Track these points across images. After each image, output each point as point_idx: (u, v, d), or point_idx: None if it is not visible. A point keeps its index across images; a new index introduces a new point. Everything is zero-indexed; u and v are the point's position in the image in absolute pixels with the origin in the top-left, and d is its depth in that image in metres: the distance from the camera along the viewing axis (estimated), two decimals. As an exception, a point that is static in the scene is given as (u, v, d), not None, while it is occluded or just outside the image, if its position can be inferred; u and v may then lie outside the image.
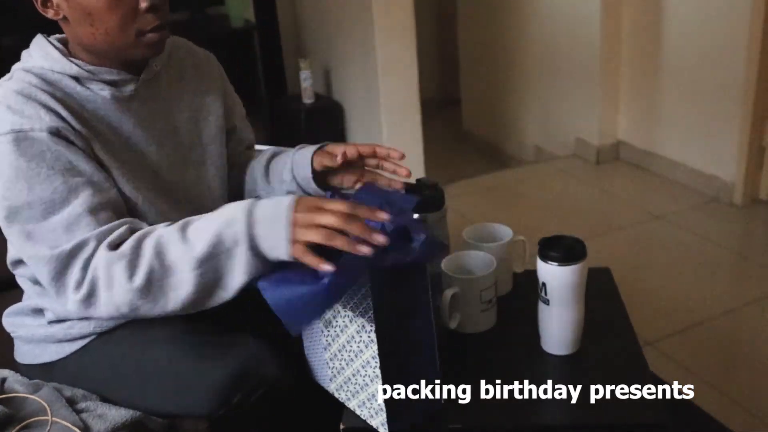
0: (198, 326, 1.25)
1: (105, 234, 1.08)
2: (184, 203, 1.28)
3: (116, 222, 1.11)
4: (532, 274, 1.26)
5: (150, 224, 1.14)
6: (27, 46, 1.22)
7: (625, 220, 3.02)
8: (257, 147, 1.53)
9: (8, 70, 1.21)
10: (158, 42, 1.18)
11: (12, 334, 1.33)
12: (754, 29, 2.79)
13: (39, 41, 1.21)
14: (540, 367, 1.24)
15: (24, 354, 1.32)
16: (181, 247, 1.04)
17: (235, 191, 1.43)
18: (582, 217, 3.06)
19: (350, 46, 3.35)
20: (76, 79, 1.18)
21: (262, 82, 3.73)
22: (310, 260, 0.98)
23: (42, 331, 1.27)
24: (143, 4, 1.13)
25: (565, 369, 1.22)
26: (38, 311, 1.28)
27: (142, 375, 1.23)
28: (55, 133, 1.11)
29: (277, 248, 1.01)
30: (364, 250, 0.97)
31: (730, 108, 2.95)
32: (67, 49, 1.20)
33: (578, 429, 1.13)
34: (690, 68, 3.10)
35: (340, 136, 3.54)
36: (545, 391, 1.17)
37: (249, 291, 1.45)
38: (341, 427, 1.11)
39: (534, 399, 1.16)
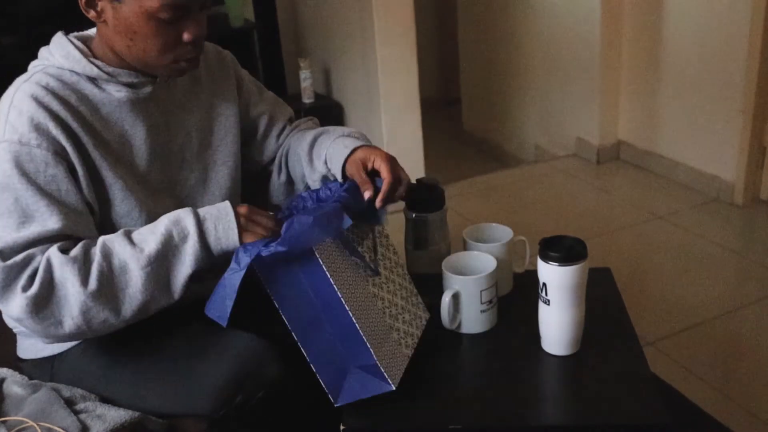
0: (199, 326, 1.25)
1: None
2: (188, 203, 1.29)
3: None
4: (532, 275, 1.26)
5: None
6: (27, 45, 1.21)
7: (625, 220, 3.01)
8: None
9: (7, 70, 1.20)
10: (187, 70, 1.22)
11: (14, 330, 1.33)
12: (754, 29, 2.79)
13: (60, 40, 1.21)
14: (540, 367, 1.24)
15: (26, 349, 1.32)
16: (129, 248, 1.10)
17: (280, 165, 1.45)
18: (582, 217, 3.06)
19: (350, 46, 3.35)
20: (94, 81, 1.19)
21: (262, 82, 3.73)
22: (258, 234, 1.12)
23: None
24: (187, 37, 1.16)
25: (565, 369, 1.22)
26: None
27: (142, 374, 1.23)
28: (59, 154, 1.12)
29: (227, 238, 1.12)
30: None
31: (730, 108, 2.95)
32: (88, 48, 1.20)
33: (578, 429, 1.13)
34: (690, 68, 3.10)
35: (340, 136, 3.53)
36: (545, 391, 1.17)
37: (250, 291, 1.46)
38: (341, 427, 1.11)
39: (534, 399, 1.16)
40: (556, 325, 1.22)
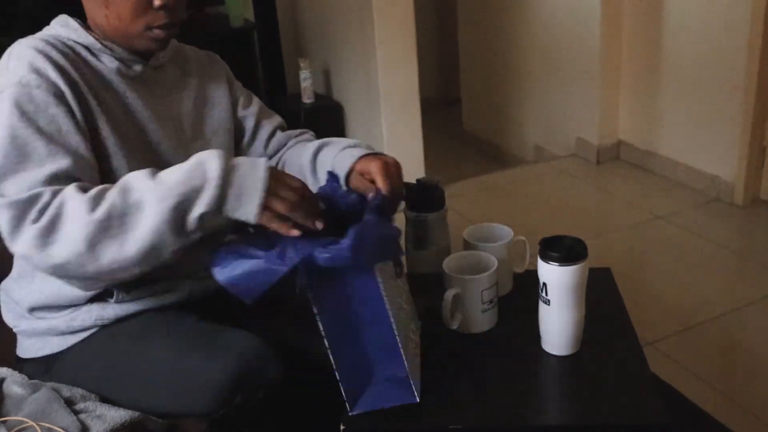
0: (199, 325, 1.25)
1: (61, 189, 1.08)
2: None
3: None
4: (532, 274, 1.26)
5: None
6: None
7: (625, 220, 3.02)
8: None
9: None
10: (164, 38, 1.23)
11: (14, 329, 1.34)
12: (754, 29, 2.79)
13: (60, 17, 1.26)
14: (540, 367, 1.24)
15: (26, 348, 1.32)
16: (150, 182, 1.05)
17: None
18: (582, 217, 3.06)
19: (350, 45, 3.35)
20: (89, 50, 1.23)
21: (261, 82, 3.73)
22: (277, 226, 1.05)
23: (44, 324, 1.27)
24: (156, 2, 1.18)
25: (565, 369, 1.22)
26: (33, 309, 1.29)
27: (142, 374, 1.23)
28: (59, 95, 1.14)
29: (245, 211, 1.05)
30: (294, 232, 1.05)
31: (730, 107, 2.95)
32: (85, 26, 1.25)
33: (578, 429, 1.13)
34: (690, 68, 3.10)
35: (340, 136, 3.53)
36: (545, 391, 1.17)
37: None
38: (341, 427, 1.11)
39: (534, 399, 1.16)
40: (556, 325, 1.22)
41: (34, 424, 1.15)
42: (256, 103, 1.48)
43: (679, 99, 3.20)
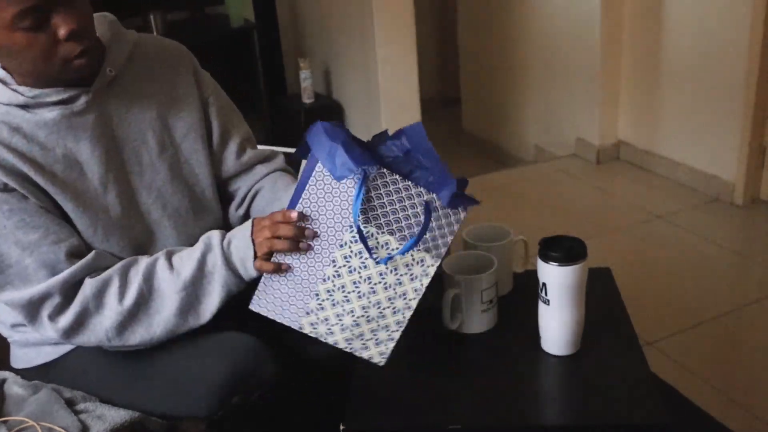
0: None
1: (68, 283, 1.14)
2: (157, 205, 1.26)
3: (77, 266, 1.14)
4: (532, 274, 1.26)
5: (115, 243, 1.21)
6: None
7: (625, 220, 3.01)
8: (262, 147, 1.48)
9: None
10: (86, 66, 1.13)
11: (8, 339, 1.33)
12: (754, 29, 2.79)
13: None
14: (540, 367, 1.24)
15: (19, 359, 1.32)
16: (168, 273, 1.16)
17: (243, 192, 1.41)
18: (582, 217, 3.06)
19: (350, 45, 3.35)
20: (24, 107, 1.14)
21: (261, 82, 3.73)
22: (267, 267, 1.12)
23: (37, 335, 1.25)
24: (62, 33, 1.07)
25: (565, 369, 1.22)
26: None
27: (140, 375, 1.22)
28: (5, 189, 1.11)
29: (246, 264, 1.14)
30: (303, 246, 1.11)
31: (730, 107, 2.95)
32: (12, 77, 1.16)
33: (578, 429, 1.13)
34: (690, 68, 3.10)
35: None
36: (545, 391, 1.17)
37: (246, 290, 1.45)
38: (341, 427, 1.11)
39: (534, 399, 1.16)
40: (555, 325, 1.23)
41: (35, 424, 1.15)
42: (226, 104, 1.39)
43: (679, 99, 3.20)
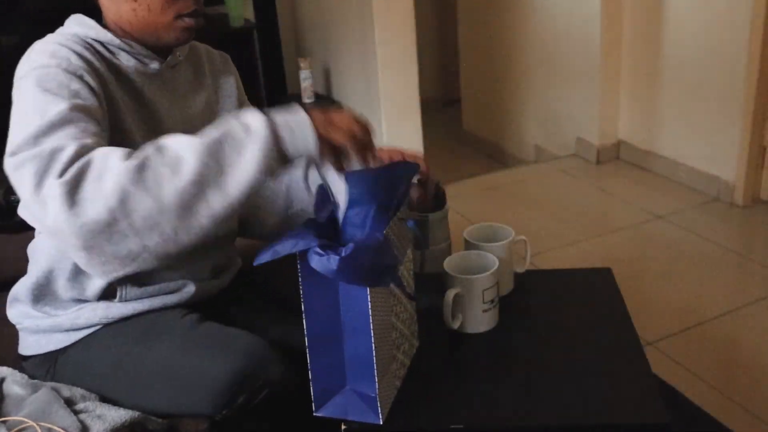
0: (202, 325, 1.25)
1: (85, 147, 1.00)
2: None
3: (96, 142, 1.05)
4: (532, 274, 1.26)
5: None
6: (27, 45, 1.22)
7: (625, 220, 3.02)
8: None
9: (8, 70, 1.21)
10: (192, 28, 1.24)
11: (18, 326, 1.34)
12: (754, 29, 2.79)
13: (75, 16, 1.25)
14: (540, 367, 1.24)
15: (29, 346, 1.32)
16: (185, 139, 0.98)
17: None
18: (582, 217, 3.06)
19: (350, 45, 3.35)
20: (106, 48, 1.22)
21: (262, 82, 3.73)
22: (334, 162, 1.03)
23: (49, 321, 1.28)
24: None
25: (566, 369, 1.22)
26: (38, 296, 1.28)
27: (144, 373, 1.23)
28: (78, 75, 1.13)
29: (305, 143, 1.00)
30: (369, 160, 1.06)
31: (730, 107, 2.95)
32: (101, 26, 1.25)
33: (578, 429, 1.13)
34: (690, 68, 3.11)
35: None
36: (545, 391, 1.17)
37: (251, 292, 1.46)
38: (342, 427, 1.11)
39: (534, 399, 1.16)
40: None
41: (35, 424, 1.15)
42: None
43: (679, 99, 3.20)
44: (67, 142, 0.99)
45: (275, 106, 1.68)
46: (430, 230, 1.45)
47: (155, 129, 1.25)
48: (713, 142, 3.08)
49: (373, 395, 1.08)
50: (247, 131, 0.98)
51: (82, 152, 0.98)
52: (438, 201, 1.45)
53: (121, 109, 1.20)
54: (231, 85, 1.43)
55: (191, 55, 1.37)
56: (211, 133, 0.98)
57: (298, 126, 1.00)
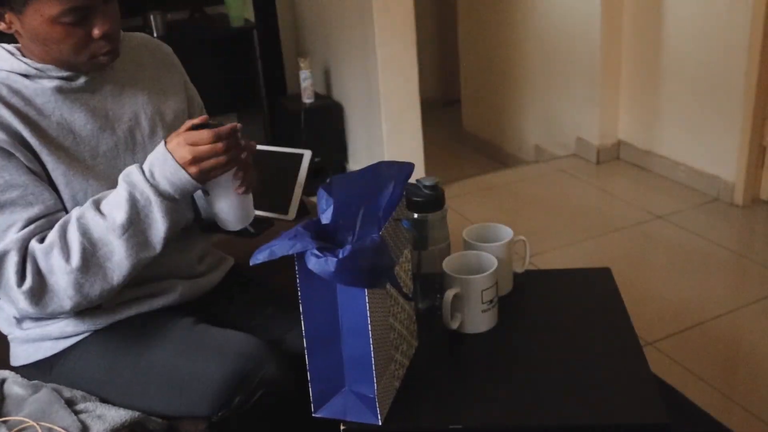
0: (197, 327, 1.25)
1: (23, 242, 1.13)
2: None
3: (33, 226, 1.15)
4: (532, 274, 1.26)
5: None
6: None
7: (625, 220, 3.01)
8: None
9: None
10: (108, 63, 1.22)
11: (9, 337, 1.33)
12: (754, 29, 2.79)
13: None
14: (540, 368, 1.24)
15: (18, 356, 1.32)
16: (102, 221, 1.13)
17: None
18: (582, 217, 3.06)
19: (350, 45, 3.35)
20: (25, 76, 1.20)
21: (262, 82, 3.73)
22: (217, 171, 1.15)
23: (38, 331, 1.27)
24: (96, 33, 1.16)
25: (565, 369, 1.22)
26: (20, 319, 1.28)
27: (142, 375, 1.22)
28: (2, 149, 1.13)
29: (179, 179, 1.13)
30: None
31: (730, 107, 2.95)
32: (19, 50, 1.22)
33: (578, 429, 1.13)
34: (690, 68, 3.10)
35: (340, 136, 3.54)
36: (545, 391, 1.17)
37: (247, 289, 1.45)
38: (341, 427, 1.11)
39: (534, 399, 1.16)
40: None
41: (35, 424, 1.15)
42: (199, 98, 1.45)
43: (679, 99, 3.20)
44: (6, 245, 1.12)
45: (275, 106, 1.68)
46: (429, 230, 1.45)
47: (104, 127, 1.25)
48: (713, 142, 3.08)
49: (372, 396, 1.08)
50: (147, 202, 1.14)
51: (24, 253, 1.13)
52: (437, 201, 1.45)
53: (43, 146, 1.17)
54: (174, 74, 1.39)
55: (125, 52, 1.31)
56: (119, 215, 1.13)
57: (174, 175, 1.14)
